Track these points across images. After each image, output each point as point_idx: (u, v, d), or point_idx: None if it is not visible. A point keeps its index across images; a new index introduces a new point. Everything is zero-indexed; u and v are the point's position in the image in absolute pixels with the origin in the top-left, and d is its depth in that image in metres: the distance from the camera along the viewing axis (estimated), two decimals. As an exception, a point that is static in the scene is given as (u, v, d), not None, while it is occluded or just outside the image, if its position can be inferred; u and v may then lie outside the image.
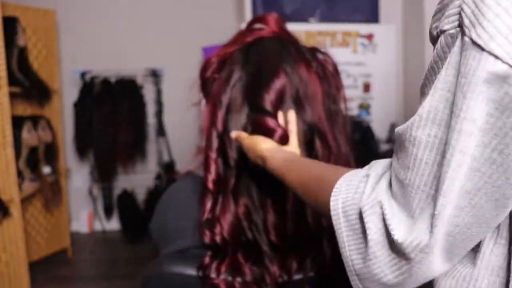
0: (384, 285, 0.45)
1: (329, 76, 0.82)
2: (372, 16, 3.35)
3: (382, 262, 0.43)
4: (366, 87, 3.19)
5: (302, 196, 0.59)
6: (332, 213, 0.48)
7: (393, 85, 3.24)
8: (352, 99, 3.09)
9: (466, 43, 0.39)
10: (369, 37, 3.19)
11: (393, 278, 0.43)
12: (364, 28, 3.20)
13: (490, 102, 0.38)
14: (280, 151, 0.70)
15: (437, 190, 0.40)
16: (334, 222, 0.48)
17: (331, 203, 0.48)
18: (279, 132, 0.75)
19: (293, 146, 0.75)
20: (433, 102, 0.41)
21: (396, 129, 0.45)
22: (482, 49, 0.38)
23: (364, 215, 0.45)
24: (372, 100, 3.19)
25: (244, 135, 0.75)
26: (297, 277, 0.73)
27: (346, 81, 3.08)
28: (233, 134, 0.77)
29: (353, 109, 3.11)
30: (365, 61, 3.16)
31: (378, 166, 0.48)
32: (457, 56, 0.40)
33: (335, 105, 0.82)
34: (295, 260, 0.74)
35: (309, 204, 0.59)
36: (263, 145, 0.71)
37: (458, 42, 0.40)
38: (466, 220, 0.40)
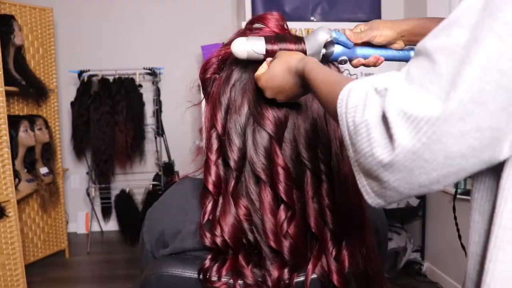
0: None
1: None
2: (374, 14, 3.33)
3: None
4: (368, 86, 3.15)
5: (321, 92, 0.60)
6: (340, 96, 0.51)
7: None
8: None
9: None
10: (371, 35, 3.15)
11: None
12: (365, 26, 3.16)
13: None
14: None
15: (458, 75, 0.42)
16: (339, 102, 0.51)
17: (341, 91, 0.51)
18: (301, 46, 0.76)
19: None
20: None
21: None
22: None
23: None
24: (373, 99, 3.16)
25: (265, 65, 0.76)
26: (299, 278, 0.73)
27: (347, 80, 3.05)
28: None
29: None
30: (366, 59, 3.13)
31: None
32: None
33: None
34: (297, 263, 0.73)
35: (324, 99, 0.59)
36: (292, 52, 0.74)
37: None
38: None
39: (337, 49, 0.80)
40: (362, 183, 0.49)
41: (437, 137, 0.42)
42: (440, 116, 0.41)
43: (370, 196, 0.49)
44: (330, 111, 0.57)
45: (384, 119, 0.44)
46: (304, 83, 0.67)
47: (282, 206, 0.73)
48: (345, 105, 0.49)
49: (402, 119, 0.43)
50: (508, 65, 0.40)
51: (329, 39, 0.78)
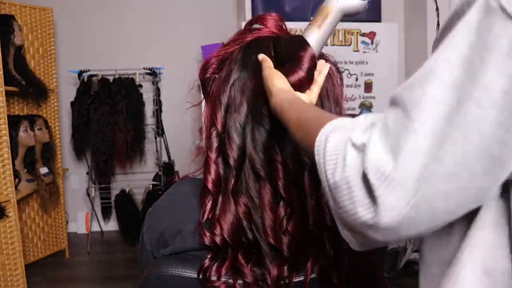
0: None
1: (329, 75, 0.81)
2: (374, 15, 3.33)
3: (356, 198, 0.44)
4: (368, 86, 3.16)
5: (294, 135, 0.59)
6: (316, 143, 0.49)
7: (395, 84, 3.22)
8: (353, 98, 3.06)
9: (493, 8, 0.39)
10: (371, 35, 3.17)
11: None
12: (365, 26, 3.17)
13: (509, 77, 0.38)
14: (289, 92, 0.70)
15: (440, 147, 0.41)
16: (316, 152, 0.49)
17: (317, 138, 0.49)
18: (299, 75, 0.75)
19: (312, 96, 0.76)
20: (444, 54, 0.42)
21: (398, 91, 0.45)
22: (510, 17, 0.38)
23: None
24: (374, 99, 3.17)
25: (269, 63, 0.75)
26: (298, 278, 0.73)
27: (347, 80, 3.06)
28: (260, 56, 0.77)
29: (354, 108, 3.09)
30: (366, 59, 3.13)
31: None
32: (478, 15, 0.40)
33: (337, 104, 0.82)
34: (296, 261, 0.73)
35: (299, 144, 0.59)
36: (276, 81, 0.71)
37: (481, 2, 0.40)
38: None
39: None
40: (345, 234, 0.48)
41: (423, 199, 0.41)
42: (419, 178, 0.40)
43: (355, 245, 0.48)
44: (306, 152, 0.56)
45: (365, 179, 0.43)
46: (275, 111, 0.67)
47: (281, 203, 0.73)
48: (323, 155, 0.48)
49: (383, 182, 0.41)
50: (489, 130, 0.39)
51: None
